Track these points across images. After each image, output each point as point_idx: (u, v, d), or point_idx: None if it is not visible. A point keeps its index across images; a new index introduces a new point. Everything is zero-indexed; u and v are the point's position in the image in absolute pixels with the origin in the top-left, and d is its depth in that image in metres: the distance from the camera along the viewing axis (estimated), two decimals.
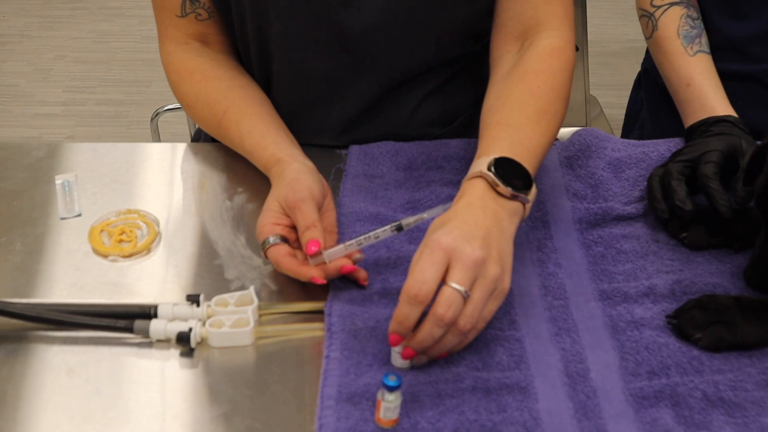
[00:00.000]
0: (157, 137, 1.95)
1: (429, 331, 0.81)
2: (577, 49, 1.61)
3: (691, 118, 1.17)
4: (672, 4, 1.27)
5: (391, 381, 0.78)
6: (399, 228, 0.91)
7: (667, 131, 1.26)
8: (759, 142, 0.92)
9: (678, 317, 0.89)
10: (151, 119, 1.89)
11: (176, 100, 1.19)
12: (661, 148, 1.15)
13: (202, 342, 0.88)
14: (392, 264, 0.96)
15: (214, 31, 1.17)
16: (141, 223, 1.03)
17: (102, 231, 1.01)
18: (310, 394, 0.82)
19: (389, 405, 0.78)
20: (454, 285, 0.80)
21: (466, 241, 0.81)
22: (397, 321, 0.81)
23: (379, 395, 0.78)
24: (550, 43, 1.10)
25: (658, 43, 1.27)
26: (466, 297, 0.81)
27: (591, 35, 2.48)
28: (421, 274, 0.80)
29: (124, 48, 3.52)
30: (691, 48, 1.24)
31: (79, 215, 1.05)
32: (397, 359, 0.84)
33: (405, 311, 0.80)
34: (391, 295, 0.92)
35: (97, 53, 3.49)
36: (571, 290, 0.94)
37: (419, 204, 1.05)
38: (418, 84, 1.20)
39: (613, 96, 2.78)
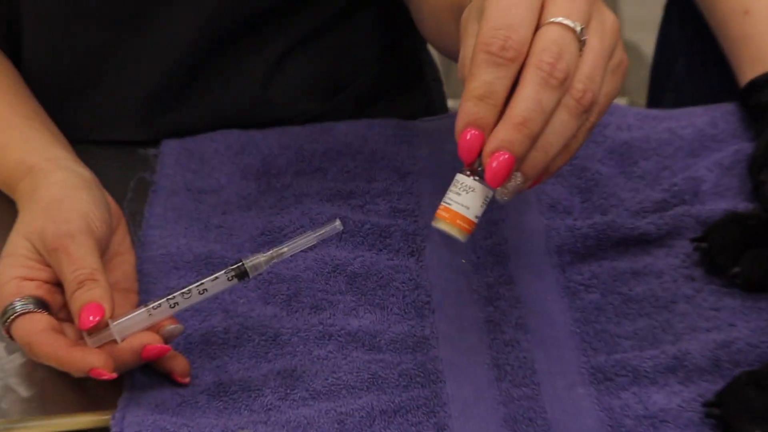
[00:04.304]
0: None
1: (533, 96, 0.41)
2: None
3: (749, 68, 0.68)
4: None
5: None
6: (241, 274, 0.49)
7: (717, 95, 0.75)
8: None
9: (723, 404, 0.51)
10: None
11: None
12: (700, 120, 0.68)
13: None
14: (233, 339, 0.51)
15: None
16: None
17: None
18: None
19: None
20: (562, 20, 0.43)
21: None
22: (476, 97, 0.42)
23: None
24: None
25: None
26: (581, 41, 0.43)
27: None
28: (505, 12, 0.42)
29: None
30: None
31: None
32: None
33: (486, 78, 0.41)
34: (230, 395, 0.49)
35: None
36: (544, 370, 0.53)
37: (281, 234, 0.59)
38: (272, 29, 0.73)
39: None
